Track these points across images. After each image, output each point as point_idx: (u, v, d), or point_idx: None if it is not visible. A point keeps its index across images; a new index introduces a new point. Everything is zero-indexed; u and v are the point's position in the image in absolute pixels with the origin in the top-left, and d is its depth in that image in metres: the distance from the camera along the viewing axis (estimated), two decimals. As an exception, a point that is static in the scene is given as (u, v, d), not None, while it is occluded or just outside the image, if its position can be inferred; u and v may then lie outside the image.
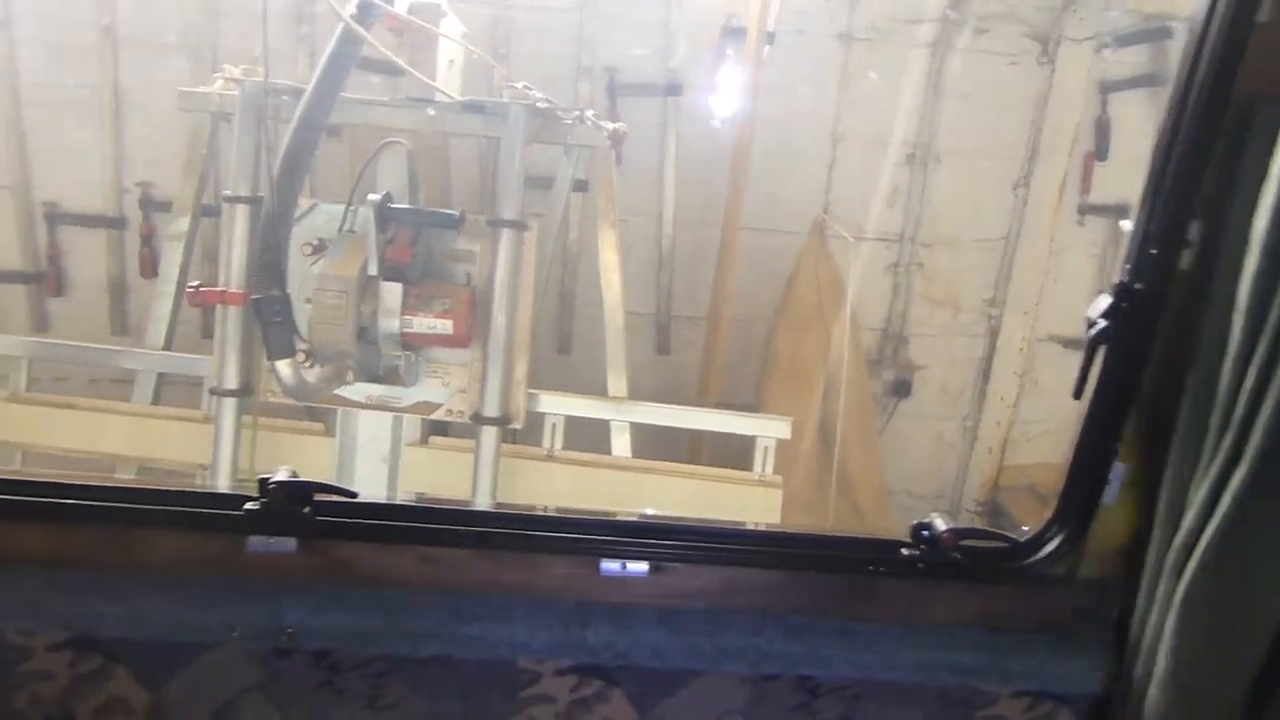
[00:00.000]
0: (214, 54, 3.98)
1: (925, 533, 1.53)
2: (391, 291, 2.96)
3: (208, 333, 4.20)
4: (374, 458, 3.37)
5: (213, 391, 3.20)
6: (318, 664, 1.48)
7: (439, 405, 3.24)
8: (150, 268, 4.20)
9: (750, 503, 3.35)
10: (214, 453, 3.21)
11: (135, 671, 1.48)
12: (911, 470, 4.99)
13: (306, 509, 1.46)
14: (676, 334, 4.62)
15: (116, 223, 4.21)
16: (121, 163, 4.15)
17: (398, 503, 1.58)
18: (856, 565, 1.56)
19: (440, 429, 3.44)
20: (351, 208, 3.06)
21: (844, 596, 1.56)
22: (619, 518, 1.71)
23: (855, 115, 4.49)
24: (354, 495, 1.49)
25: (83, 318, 4.30)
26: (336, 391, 3.17)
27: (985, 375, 4.95)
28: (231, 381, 3.17)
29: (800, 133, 4.47)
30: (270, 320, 2.69)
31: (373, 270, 2.93)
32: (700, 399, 4.25)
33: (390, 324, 2.97)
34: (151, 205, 4.18)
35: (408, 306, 2.98)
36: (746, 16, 4.07)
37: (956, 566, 1.52)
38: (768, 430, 3.34)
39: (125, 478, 3.33)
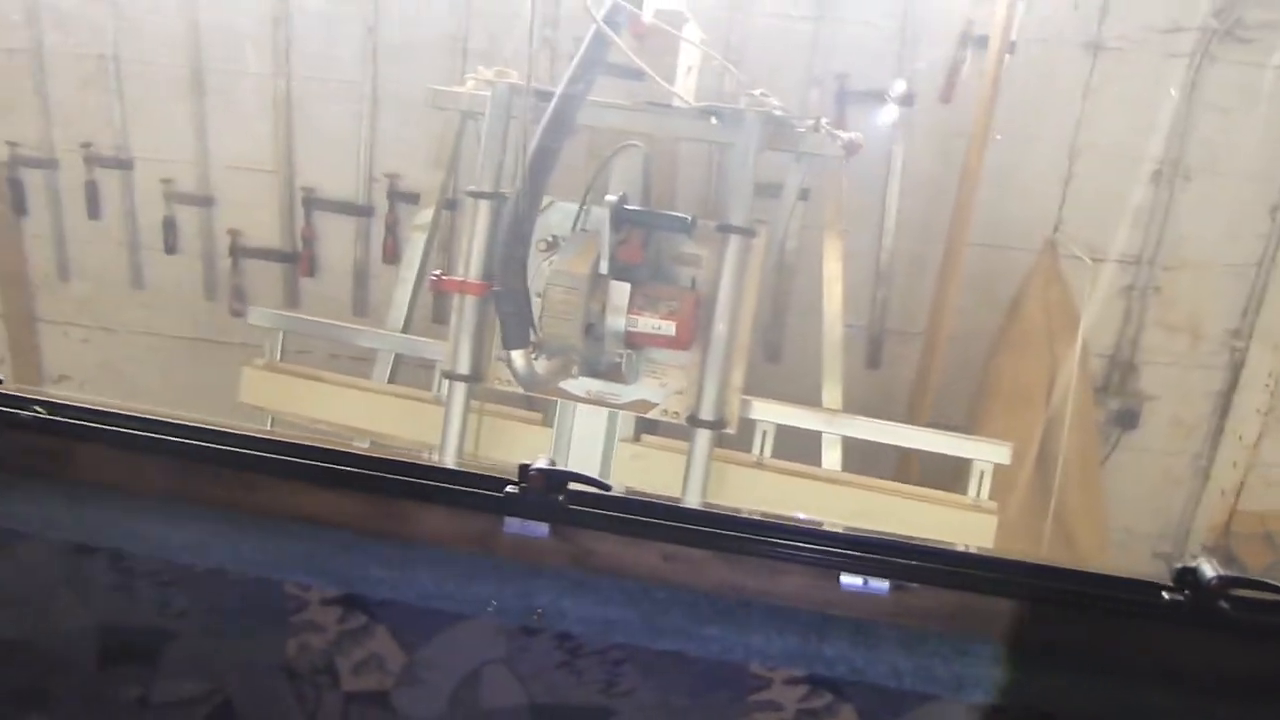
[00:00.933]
0: (464, 54, 4.22)
1: (1190, 576, 1.45)
2: (620, 290, 3.04)
3: (438, 318, 4.46)
4: (588, 450, 3.48)
5: (445, 375, 3.39)
6: (560, 645, 1.55)
7: (655, 404, 3.32)
8: (391, 254, 4.50)
9: (962, 527, 3.25)
10: (443, 433, 3.41)
11: (394, 632, 1.60)
12: (1131, 506, 4.69)
13: (561, 497, 1.54)
14: (888, 349, 4.54)
15: (365, 210, 4.53)
16: (374, 154, 4.46)
17: (646, 498, 1.63)
18: (1109, 603, 1.49)
19: (651, 427, 3.51)
20: (586, 207, 3.17)
21: (1092, 635, 1.49)
22: (860, 532, 1.70)
23: (1097, 129, 4.26)
24: (607, 488, 1.55)
25: (328, 297, 4.65)
26: (560, 384, 3.30)
27: (1223, 411, 4.60)
28: (464, 367, 3.35)
29: (1036, 146, 4.29)
30: (508, 312, 2.83)
31: (604, 269, 3.02)
32: (910, 416, 4.16)
33: (617, 322, 3.06)
34: (397, 196, 4.46)
35: (634, 306, 3.06)
36: (987, 24, 3.96)
37: (1225, 617, 1.43)
38: (986, 454, 3.23)
39: (361, 447, 3.57)
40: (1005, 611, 1.50)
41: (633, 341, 3.13)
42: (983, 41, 3.98)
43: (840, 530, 1.59)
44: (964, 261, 3.91)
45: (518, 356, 2.88)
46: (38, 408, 1.65)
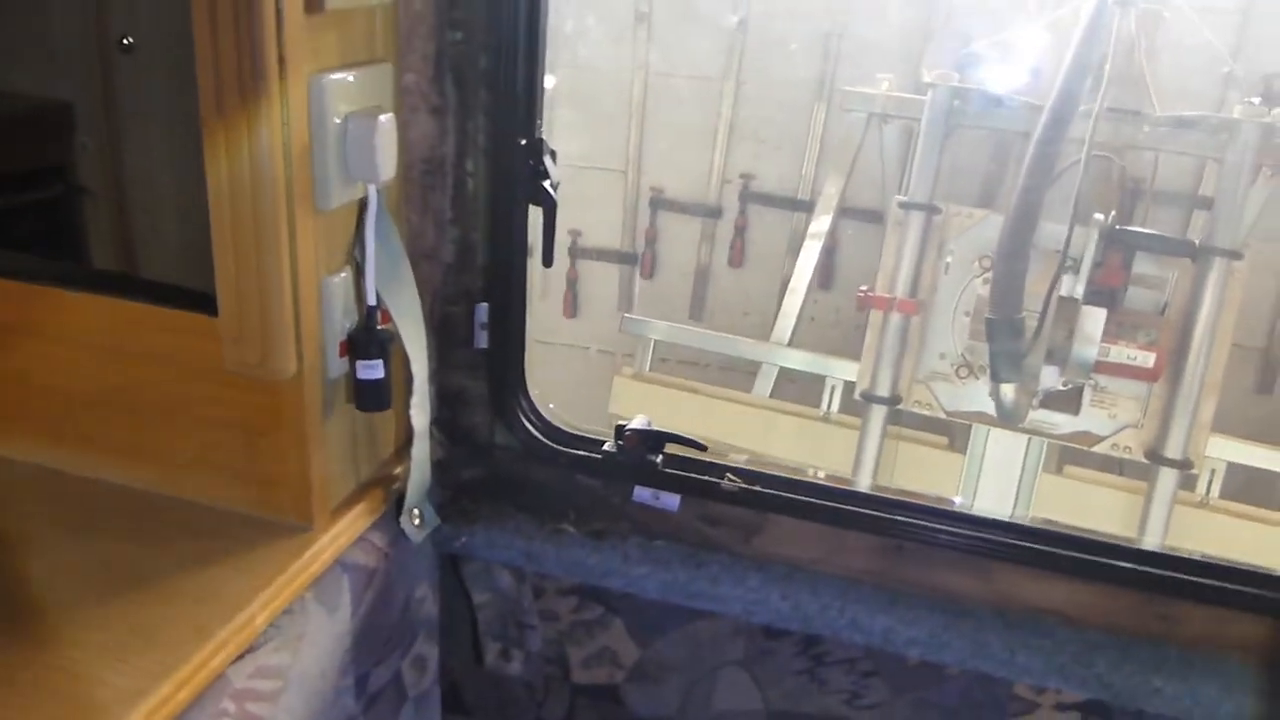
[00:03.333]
0: (836, 56, 3.98)
1: None
2: (1095, 317, 2.78)
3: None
4: (1002, 480, 3.24)
5: (864, 396, 3.21)
6: None
7: (1101, 438, 3.04)
8: (739, 258, 4.34)
9: None
10: (857, 458, 3.24)
11: None
12: None
13: None
14: (1285, 371, 4.11)
15: (714, 211, 4.37)
16: (729, 155, 4.28)
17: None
18: None
19: (1073, 457, 3.25)
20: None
21: None
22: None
23: None
24: None
25: (663, 300, 4.53)
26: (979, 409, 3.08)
27: None
28: (883, 389, 3.17)
29: None
30: (1004, 343, 2.61)
31: (1077, 293, 2.77)
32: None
33: (1086, 351, 2.80)
34: (750, 197, 4.28)
35: (1107, 334, 2.80)
36: None
37: None
38: None
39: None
40: None
41: (1100, 371, 2.86)
42: None
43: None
44: None
45: (1007, 390, 2.66)
46: (731, 476, 1.52)
